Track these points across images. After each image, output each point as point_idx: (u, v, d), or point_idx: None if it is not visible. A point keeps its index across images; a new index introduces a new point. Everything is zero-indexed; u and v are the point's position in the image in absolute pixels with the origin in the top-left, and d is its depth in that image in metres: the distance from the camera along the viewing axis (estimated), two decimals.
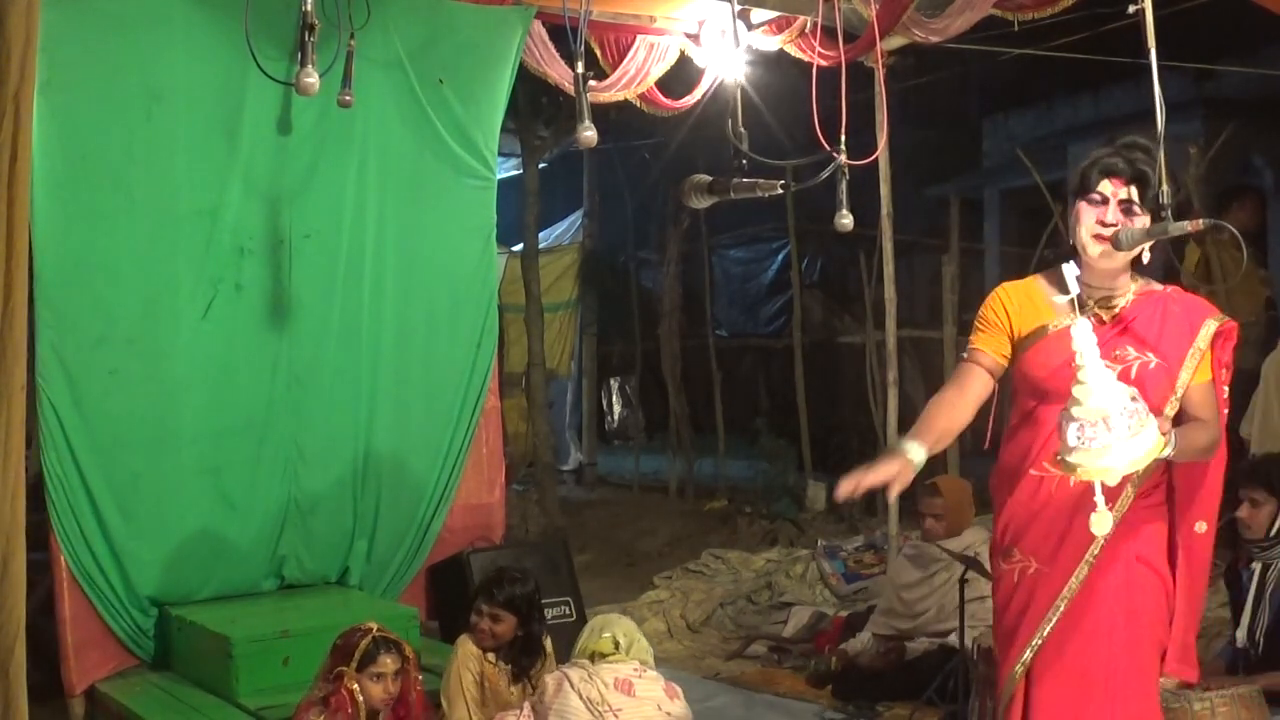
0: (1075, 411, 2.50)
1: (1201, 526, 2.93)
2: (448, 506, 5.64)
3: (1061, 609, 2.86)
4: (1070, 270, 2.65)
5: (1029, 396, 2.95)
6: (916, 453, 2.80)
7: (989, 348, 2.96)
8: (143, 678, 4.77)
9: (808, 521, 8.82)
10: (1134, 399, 2.50)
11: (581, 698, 3.39)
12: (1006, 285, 3.04)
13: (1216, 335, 2.88)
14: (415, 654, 3.78)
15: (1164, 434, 2.56)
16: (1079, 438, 2.49)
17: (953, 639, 4.71)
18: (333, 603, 5.12)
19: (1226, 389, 2.96)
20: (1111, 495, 2.78)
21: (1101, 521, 2.57)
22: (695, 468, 10.71)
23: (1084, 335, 2.52)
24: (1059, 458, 2.57)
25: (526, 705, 3.61)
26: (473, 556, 5.47)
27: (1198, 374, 2.86)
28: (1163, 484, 2.91)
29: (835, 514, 8.94)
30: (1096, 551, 2.83)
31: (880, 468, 2.75)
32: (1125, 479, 2.79)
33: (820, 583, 6.91)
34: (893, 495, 2.81)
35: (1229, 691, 3.87)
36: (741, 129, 3.75)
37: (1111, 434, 2.46)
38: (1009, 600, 2.96)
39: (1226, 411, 2.94)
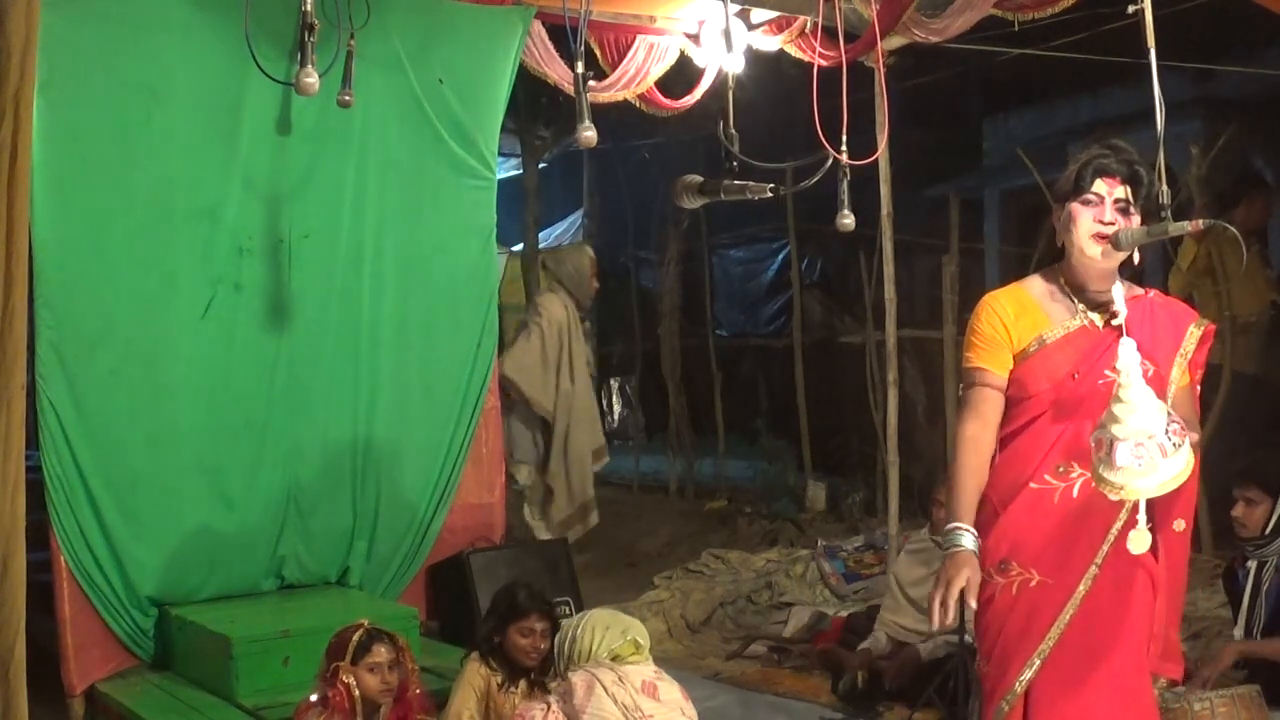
0: (1117, 430, 2.47)
1: (1180, 525, 2.92)
2: (448, 506, 5.64)
3: (1067, 619, 2.83)
4: (1119, 291, 2.65)
5: (1028, 408, 2.90)
6: (972, 541, 2.81)
7: (994, 365, 2.92)
8: (143, 678, 4.77)
9: (808, 521, 8.81)
10: (1171, 417, 2.50)
11: (616, 703, 3.30)
12: (996, 295, 3.00)
13: (1200, 340, 2.90)
14: (408, 644, 3.79)
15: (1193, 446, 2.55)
16: (1132, 457, 2.46)
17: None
18: (333, 603, 5.12)
19: (1199, 388, 2.99)
20: (1115, 506, 2.77)
21: (1141, 540, 2.55)
22: (695, 468, 10.70)
23: (1129, 354, 2.50)
24: (1101, 475, 2.52)
25: (553, 700, 3.51)
26: (473, 556, 5.47)
27: (1182, 378, 2.88)
28: None
29: (835, 514, 8.94)
30: (1103, 557, 2.82)
31: (954, 579, 2.73)
32: None
33: (820, 583, 6.91)
34: (972, 600, 2.77)
35: (1229, 691, 3.89)
36: (733, 130, 3.75)
37: (1160, 453, 2.45)
38: (1006, 615, 2.88)
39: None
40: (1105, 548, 2.81)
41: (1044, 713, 2.85)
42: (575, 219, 12.63)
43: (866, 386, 8.81)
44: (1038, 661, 2.84)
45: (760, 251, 13.13)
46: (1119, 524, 2.80)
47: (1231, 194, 6.75)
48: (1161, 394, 2.78)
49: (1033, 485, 2.87)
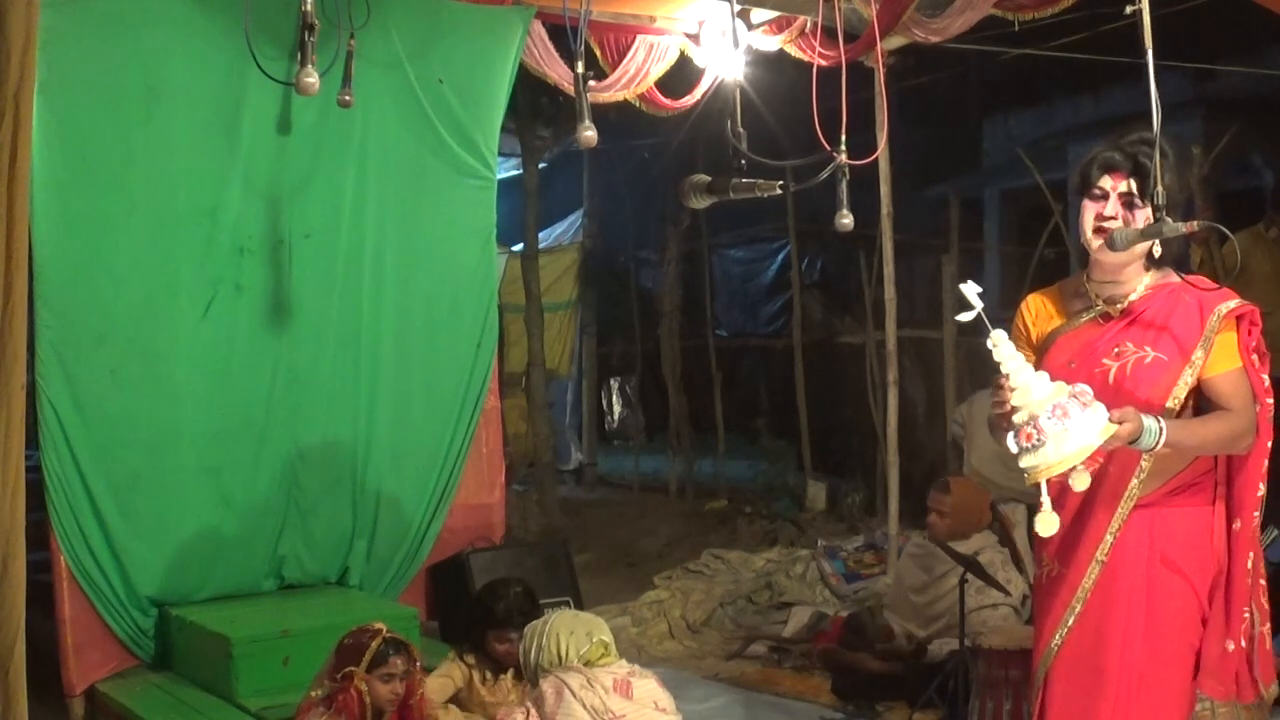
0: (1015, 420, 2.55)
1: (1236, 525, 2.84)
2: (448, 506, 5.64)
3: (1078, 610, 2.86)
4: (970, 289, 2.66)
5: None
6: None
7: None
8: (143, 678, 4.78)
9: (808, 521, 8.81)
10: (1074, 393, 2.53)
11: (585, 706, 3.32)
12: (1032, 295, 3.09)
13: (1237, 320, 2.78)
14: (420, 654, 3.79)
15: (1117, 421, 2.54)
16: (1016, 443, 2.54)
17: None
18: (333, 603, 5.12)
19: (1266, 377, 2.81)
20: (1114, 492, 2.80)
21: (1047, 522, 2.57)
22: (695, 468, 10.71)
23: (1003, 344, 2.59)
24: (1020, 468, 2.58)
25: (530, 704, 3.53)
26: (473, 556, 5.47)
27: (1219, 363, 2.77)
28: (1201, 482, 2.83)
29: (835, 514, 8.95)
30: (1106, 551, 2.82)
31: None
32: (1127, 476, 2.79)
33: (820, 583, 6.91)
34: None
35: None
36: (740, 129, 3.75)
37: (1045, 429, 2.49)
38: (1037, 604, 3.02)
39: (1271, 400, 2.79)
40: (1109, 539, 2.82)
41: (1055, 698, 2.89)
42: (575, 219, 12.60)
43: (866, 386, 8.81)
44: (1055, 644, 2.89)
45: (760, 251, 13.15)
46: (1118, 520, 2.81)
47: None
48: (1169, 382, 2.76)
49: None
